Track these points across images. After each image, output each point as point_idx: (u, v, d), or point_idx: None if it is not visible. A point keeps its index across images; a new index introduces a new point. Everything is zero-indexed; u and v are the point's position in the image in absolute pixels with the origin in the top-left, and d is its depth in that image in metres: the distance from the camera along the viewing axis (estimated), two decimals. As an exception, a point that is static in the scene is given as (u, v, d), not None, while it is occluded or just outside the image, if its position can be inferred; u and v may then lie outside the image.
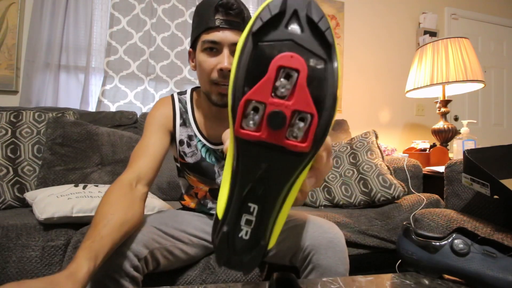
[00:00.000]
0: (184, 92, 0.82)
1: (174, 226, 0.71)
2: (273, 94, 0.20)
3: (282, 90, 0.20)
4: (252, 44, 0.20)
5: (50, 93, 1.68)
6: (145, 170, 0.66)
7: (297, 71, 0.19)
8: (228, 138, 0.25)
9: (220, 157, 0.79)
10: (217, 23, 0.64)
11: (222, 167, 0.80)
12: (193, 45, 0.71)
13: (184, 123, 0.78)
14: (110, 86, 1.79)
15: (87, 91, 1.74)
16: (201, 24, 0.67)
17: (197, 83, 1.93)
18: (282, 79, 0.20)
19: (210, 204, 0.83)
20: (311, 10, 0.20)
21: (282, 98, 0.20)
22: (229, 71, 0.64)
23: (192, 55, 0.75)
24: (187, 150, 0.78)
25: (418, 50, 1.87)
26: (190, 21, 1.94)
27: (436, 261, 0.51)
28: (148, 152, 0.69)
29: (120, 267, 0.53)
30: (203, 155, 0.77)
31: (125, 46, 1.82)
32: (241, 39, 0.21)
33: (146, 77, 1.85)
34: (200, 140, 0.78)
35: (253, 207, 0.23)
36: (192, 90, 0.83)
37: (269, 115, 0.20)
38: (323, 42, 0.20)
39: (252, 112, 0.20)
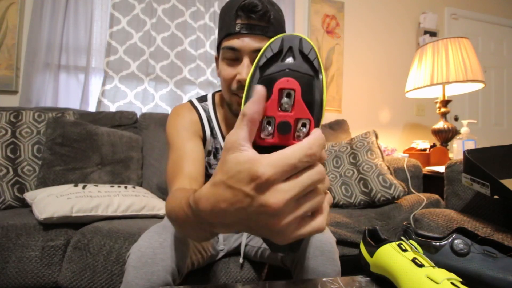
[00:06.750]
0: (205, 99, 0.74)
1: None
2: (279, 109, 0.26)
3: (286, 106, 0.26)
4: (259, 74, 0.28)
5: (50, 93, 1.68)
6: (194, 175, 0.59)
7: (293, 90, 0.26)
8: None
9: None
10: (237, 28, 0.58)
11: None
12: (218, 51, 0.66)
13: (212, 133, 0.71)
14: (110, 86, 1.79)
15: (87, 91, 1.74)
16: (222, 29, 0.62)
17: (197, 83, 1.93)
18: (285, 98, 0.26)
19: None
20: (302, 45, 0.27)
21: (286, 111, 0.26)
22: None
23: (217, 61, 0.70)
24: (212, 161, 0.72)
25: (418, 50, 1.87)
26: (190, 21, 1.94)
27: (436, 261, 0.51)
28: (191, 158, 0.61)
29: (164, 280, 0.53)
30: None
31: (125, 46, 1.82)
32: (250, 71, 0.28)
33: (146, 77, 1.85)
34: None
35: None
36: (213, 95, 0.75)
37: (278, 124, 0.26)
38: (311, 65, 0.27)
39: (266, 125, 0.27)
